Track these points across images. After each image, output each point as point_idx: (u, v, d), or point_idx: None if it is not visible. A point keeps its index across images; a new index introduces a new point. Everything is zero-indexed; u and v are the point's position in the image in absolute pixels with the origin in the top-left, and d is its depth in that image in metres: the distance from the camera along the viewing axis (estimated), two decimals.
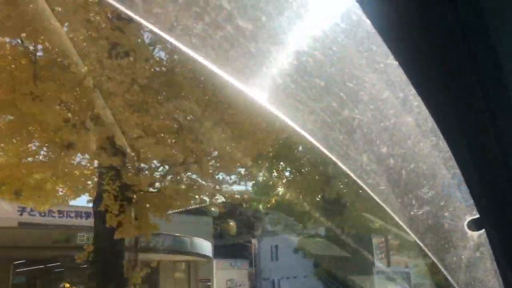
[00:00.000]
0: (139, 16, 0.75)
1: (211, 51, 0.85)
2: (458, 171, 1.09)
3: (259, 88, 0.86)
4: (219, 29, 0.78)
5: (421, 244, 1.24)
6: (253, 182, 27.52)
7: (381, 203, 1.16)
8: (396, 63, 0.89)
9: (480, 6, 0.81)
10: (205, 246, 29.40)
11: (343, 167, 1.07)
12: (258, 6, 0.80)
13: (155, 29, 0.77)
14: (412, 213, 1.16)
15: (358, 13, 0.84)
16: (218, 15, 0.79)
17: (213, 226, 34.15)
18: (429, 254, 1.25)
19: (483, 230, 1.20)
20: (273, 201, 27.39)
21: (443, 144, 1.04)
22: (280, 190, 26.84)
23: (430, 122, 1.01)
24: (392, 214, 1.18)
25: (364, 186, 1.13)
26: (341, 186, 23.87)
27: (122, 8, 0.75)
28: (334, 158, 1.03)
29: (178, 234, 26.55)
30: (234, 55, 0.81)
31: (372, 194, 1.15)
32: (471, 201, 1.15)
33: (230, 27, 0.79)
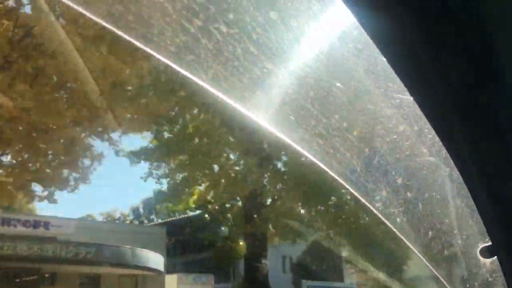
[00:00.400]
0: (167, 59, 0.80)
1: (229, 86, 0.88)
2: (470, 200, 1.12)
3: (286, 127, 0.90)
4: (244, 69, 0.82)
5: (434, 271, 1.26)
6: (169, 179, 23.14)
7: (396, 232, 1.19)
8: (411, 98, 0.93)
9: (493, 52, 0.85)
10: (153, 259, 25.59)
11: (361, 198, 1.10)
12: (283, 49, 0.84)
13: (175, 66, 0.81)
14: (425, 241, 1.19)
15: (374, 52, 0.88)
16: (245, 58, 0.83)
17: (168, 237, 30.70)
18: (443, 280, 1.27)
19: (495, 257, 1.21)
20: (192, 202, 23.93)
21: (456, 174, 1.07)
22: (198, 189, 23.25)
23: (444, 153, 1.05)
24: (407, 242, 1.21)
25: (380, 216, 1.16)
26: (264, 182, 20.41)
27: (152, 51, 0.79)
28: (351, 190, 1.06)
29: (117, 245, 23.70)
30: (263, 96, 0.85)
31: (388, 223, 1.17)
32: (484, 229, 1.17)
33: (257, 69, 0.83)
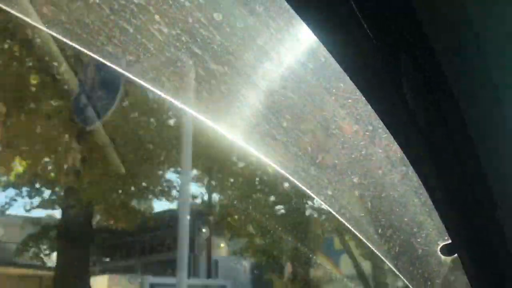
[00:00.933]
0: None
1: (192, 96, 0.88)
2: (428, 198, 1.12)
3: (234, 128, 0.90)
4: (194, 73, 0.82)
5: (395, 271, 1.27)
6: None
7: (353, 230, 1.19)
8: (363, 98, 0.93)
9: (434, 56, 0.85)
10: None
11: (316, 198, 1.10)
12: (229, 50, 0.83)
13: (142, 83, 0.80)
14: (385, 240, 1.19)
15: (325, 54, 0.88)
16: (191, 60, 0.82)
17: None
18: (404, 279, 1.28)
19: (456, 255, 1.22)
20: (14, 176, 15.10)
21: (412, 173, 1.08)
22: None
23: (399, 153, 1.05)
24: (366, 242, 1.21)
25: (337, 215, 1.16)
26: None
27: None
28: (306, 190, 1.06)
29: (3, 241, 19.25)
30: (209, 97, 0.85)
31: (344, 221, 1.18)
32: (443, 227, 1.18)
33: (202, 71, 0.83)
